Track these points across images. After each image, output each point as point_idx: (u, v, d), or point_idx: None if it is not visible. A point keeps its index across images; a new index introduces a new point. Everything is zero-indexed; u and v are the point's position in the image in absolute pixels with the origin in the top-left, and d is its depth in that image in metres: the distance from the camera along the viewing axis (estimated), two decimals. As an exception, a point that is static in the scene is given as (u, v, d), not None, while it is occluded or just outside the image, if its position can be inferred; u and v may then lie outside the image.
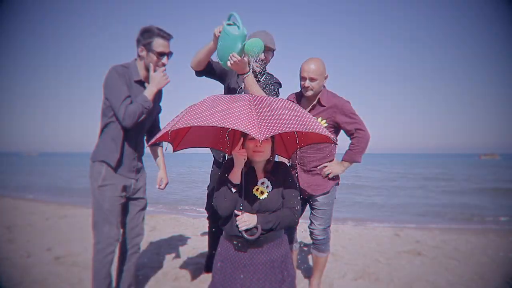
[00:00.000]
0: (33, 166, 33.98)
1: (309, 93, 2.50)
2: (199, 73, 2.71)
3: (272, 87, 2.70)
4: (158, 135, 1.67)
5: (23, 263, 3.50)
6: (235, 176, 1.74)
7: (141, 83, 2.34)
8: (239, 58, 2.18)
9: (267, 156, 1.79)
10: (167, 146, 1.90)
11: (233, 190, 1.74)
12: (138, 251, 2.54)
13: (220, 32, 2.23)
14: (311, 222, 2.69)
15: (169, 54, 2.32)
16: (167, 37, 2.28)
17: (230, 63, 2.21)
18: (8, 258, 3.64)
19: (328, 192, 2.62)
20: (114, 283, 2.46)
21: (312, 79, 2.45)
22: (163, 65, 2.31)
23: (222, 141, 2.11)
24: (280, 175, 1.84)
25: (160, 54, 2.26)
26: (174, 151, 1.91)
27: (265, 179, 1.81)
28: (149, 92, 2.25)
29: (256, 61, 2.24)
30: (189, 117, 1.47)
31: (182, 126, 1.45)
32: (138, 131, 2.40)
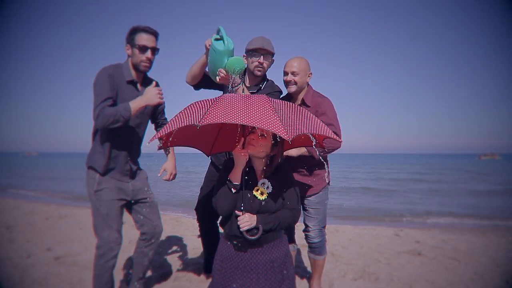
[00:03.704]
0: (33, 166, 33.97)
1: (292, 88, 2.53)
2: (196, 87, 2.71)
3: (273, 96, 2.69)
4: (164, 131, 1.65)
5: (23, 263, 3.50)
6: (236, 176, 1.75)
7: (134, 83, 2.32)
8: (225, 73, 2.19)
9: (260, 153, 1.77)
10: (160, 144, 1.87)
11: (233, 190, 1.74)
12: (153, 245, 2.50)
13: (209, 45, 2.24)
14: (306, 225, 2.67)
15: (153, 49, 2.29)
16: (150, 31, 2.26)
17: (218, 79, 2.23)
18: (8, 258, 3.64)
19: (319, 192, 2.61)
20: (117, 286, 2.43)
21: (293, 73, 2.50)
22: (148, 59, 2.27)
23: (205, 141, 2.12)
24: (281, 176, 1.84)
25: (142, 48, 2.24)
26: (158, 149, 1.88)
27: (265, 180, 1.81)
28: (136, 104, 2.20)
29: (239, 77, 2.23)
30: (215, 114, 1.47)
31: (209, 122, 1.44)
32: (132, 134, 2.37)
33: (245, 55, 2.60)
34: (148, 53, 2.26)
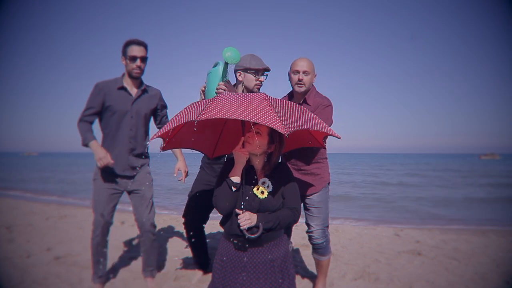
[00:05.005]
0: (33, 166, 33.96)
1: (302, 88, 2.50)
2: None
3: None
4: (163, 130, 1.67)
5: (23, 263, 3.50)
6: (236, 175, 1.75)
7: (124, 88, 2.70)
8: (224, 88, 2.22)
9: (256, 150, 1.77)
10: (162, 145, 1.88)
11: (233, 189, 1.74)
12: (152, 236, 2.84)
13: (205, 87, 2.36)
14: (308, 225, 2.66)
15: (142, 58, 2.64)
16: (139, 43, 2.63)
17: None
18: (8, 258, 3.64)
19: (320, 191, 2.61)
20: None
21: (305, 72, 2.49)
22: (138, 67, 2.64)
23: (208, 143, 2.12)
24: (281, 175, 1.85)
25: (133, 58, 2.61)
26: (161, 150, 1.89)
27: (266, 178, 1.81)
28: (93, 145, 2.56)
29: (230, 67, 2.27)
30: (212, 110, 1.49)
31: (207, 118, 1.46)
32: (130, 134, 2.70)
33: (240, 72, 2.62)
34: (138, 62, 2.63)
